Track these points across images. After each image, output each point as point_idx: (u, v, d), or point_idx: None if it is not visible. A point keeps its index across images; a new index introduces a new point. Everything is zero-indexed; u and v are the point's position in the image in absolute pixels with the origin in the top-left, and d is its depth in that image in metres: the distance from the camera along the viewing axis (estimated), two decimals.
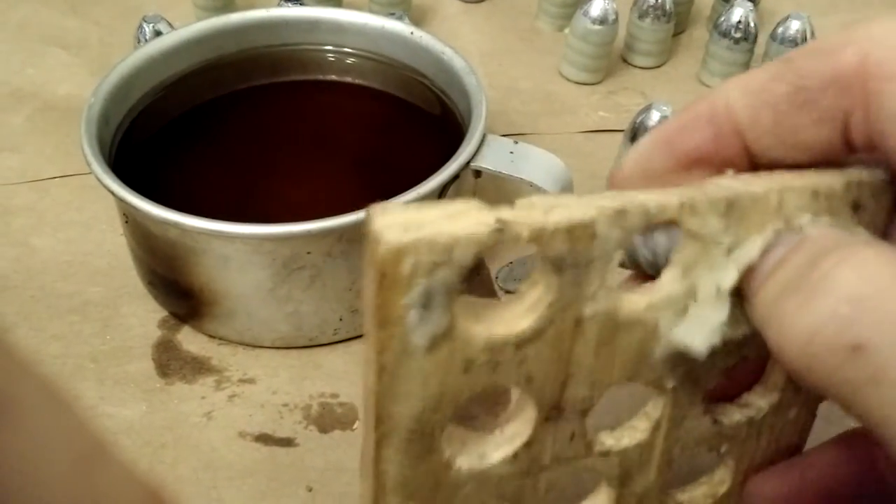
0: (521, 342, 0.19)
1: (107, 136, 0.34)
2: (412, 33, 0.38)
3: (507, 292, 0.35)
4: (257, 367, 0.32)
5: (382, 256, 0.16)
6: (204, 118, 0.38)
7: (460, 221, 0.17)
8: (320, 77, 0.40)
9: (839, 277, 0.16)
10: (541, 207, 0.18)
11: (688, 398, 0.23)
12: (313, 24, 0.40)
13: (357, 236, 0.31)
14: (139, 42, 0.42)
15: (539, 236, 0.18)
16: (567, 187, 0.33)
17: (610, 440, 0.22)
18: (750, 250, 0.19)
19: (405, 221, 0.16)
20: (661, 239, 0.20)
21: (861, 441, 0.22)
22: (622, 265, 0.21)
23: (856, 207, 0.20)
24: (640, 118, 0.38)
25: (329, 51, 0.40)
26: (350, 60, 0.40)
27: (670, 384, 0.23)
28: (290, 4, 0.44)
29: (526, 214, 0.17)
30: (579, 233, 0.18)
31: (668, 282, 0.20)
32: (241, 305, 0.32)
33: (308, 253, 0.31)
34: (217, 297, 0.32)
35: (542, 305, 0.19)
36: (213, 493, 0.27)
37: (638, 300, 0.20)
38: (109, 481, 0.12)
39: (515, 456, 0.21)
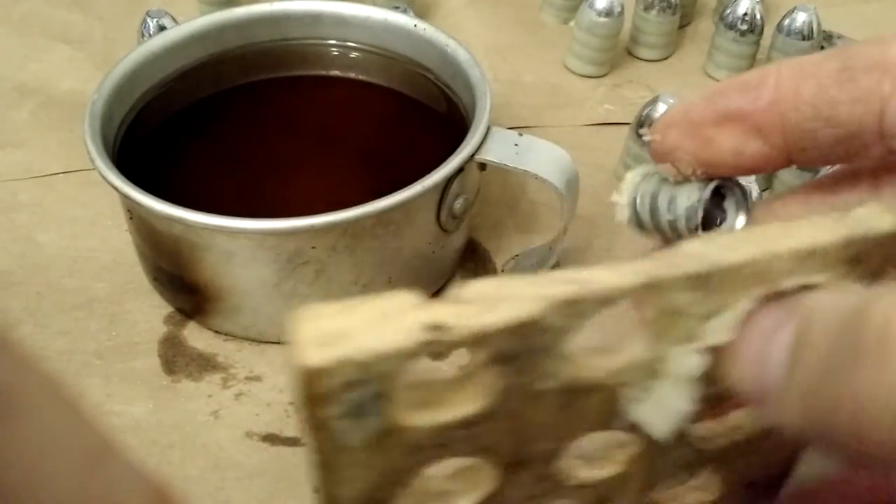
0: (470, 424, 0.18)
1: (110, 132, 0.34)
2: (416, 26, 0.38)
3: None
4: (263, 363, 0.32)
5: (302, 375, 0.15)
6: (207, 113, 0.38)
7: (389, 327, 0.15)
8: (323, 72, 0.40)
9: None
10: (482, 302, 0.16)
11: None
12: (315, 18, 0.39)
13: (361, 231, 0.31)
14: (143, 37, 0.42)
15: (480, 339, 0.16)
16: (572, 179, 0.33)
17: (585, 473, 0.20)
18: (719, 330, 0.17)
19: (327, 332, 0.15)
20: (682, 200, 0.21)
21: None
22: (639, 226, 0.22)
23: (855, 262, 0.18)
24: (645, 111, 0.38)
25: (332, 45, 0.40)
26: (353, 55, 0.39)
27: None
28: None
29: (465, 314, 0.15)
30: (525, 330, 0.16)
31: (634, 348, 0.18)
32: (247, 301, 0.32)
33: (312, 248, 0.30)
34: (222, 293, 0.32)
35: (490, 392, 0.17)
36: (221, 494, 0.27)
37: (599, 366, 0.18)
38: (115, 480, 0.12)
39: None
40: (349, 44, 0.39)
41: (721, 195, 0.21)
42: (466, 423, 0.18)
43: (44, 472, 0.11)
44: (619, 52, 0.46)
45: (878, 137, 0.19)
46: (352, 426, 0.17)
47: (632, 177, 0.22)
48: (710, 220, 0.21)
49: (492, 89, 0.34)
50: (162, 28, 0.41)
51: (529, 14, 0.50)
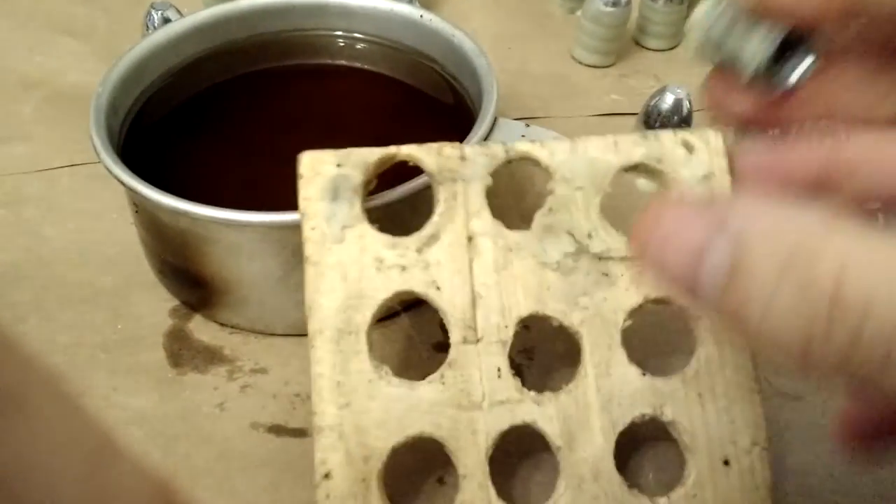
0: (420, 245, 0.26)
1: (115, 125, 0.34)
2: (421, 16, 0.38)
3: None
4: (269, 356, 0.32)
5: (301, 163, 0.26)
6: (212, 104, 0.38)
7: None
8: (329, 62, 0.40)
9: (851, 298, 0.15)
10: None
11: (605, 339, 0.26)
12: (321, 9, 0.39)
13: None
14: (147, 29, 0.42)
15: (415, 156, 0.27)
16: None
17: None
18: None
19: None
20: (755, 41, 0.24)
21: None
22: (707, 55, 0.26)
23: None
24: (653, 101, 0.37)
25: (338, 36, 0.39)
26: (360, 46, 0.39)
27: (578, 318, 0.26)
28: None
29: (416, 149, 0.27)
30: (448, 152, 0.27)
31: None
32: (253, 294, 0.32)
33: None
34: (228, 286, 0.32)
35: (434, 214, 0.26)
36: (227, 484, 0.27)
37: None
38: (119, 474, 0.12)
39: (443, 378, 0.25)
40: (355, 34, 0.39)
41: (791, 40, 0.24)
42: (417, 246, 0.26)
43: (46, 472, 0.11)
44: (625, 42, 0.46)
45: None
46: (332, 211, 0.26)
47: (706, 8, 0.24)
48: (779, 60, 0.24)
49: (498, 80, 0.34)
50: (166, 20, 0.41)
51: (536, 4, 0.49)
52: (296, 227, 0.30)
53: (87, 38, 0.47)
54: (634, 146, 0.27)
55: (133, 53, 0.36)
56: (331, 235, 0.25)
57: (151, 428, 0.29)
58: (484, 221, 0.26)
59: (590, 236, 0.27)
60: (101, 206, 0.38)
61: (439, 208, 0.26)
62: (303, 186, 0.26)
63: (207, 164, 0.35)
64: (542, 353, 0.29)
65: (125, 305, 0.34)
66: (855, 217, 0.15)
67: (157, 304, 0.34)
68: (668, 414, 0.25)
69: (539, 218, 0.27)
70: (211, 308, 0.33)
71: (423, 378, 0.25)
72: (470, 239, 0.26)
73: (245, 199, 0.32)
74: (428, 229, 0.26)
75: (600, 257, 0.27)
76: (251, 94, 0.39)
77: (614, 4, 0.43)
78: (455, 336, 0.25)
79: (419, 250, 0.26)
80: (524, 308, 0.26)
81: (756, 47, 0.24)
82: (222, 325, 0.33)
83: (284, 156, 0.36)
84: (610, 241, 0.27)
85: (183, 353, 0.32)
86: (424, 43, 0.38)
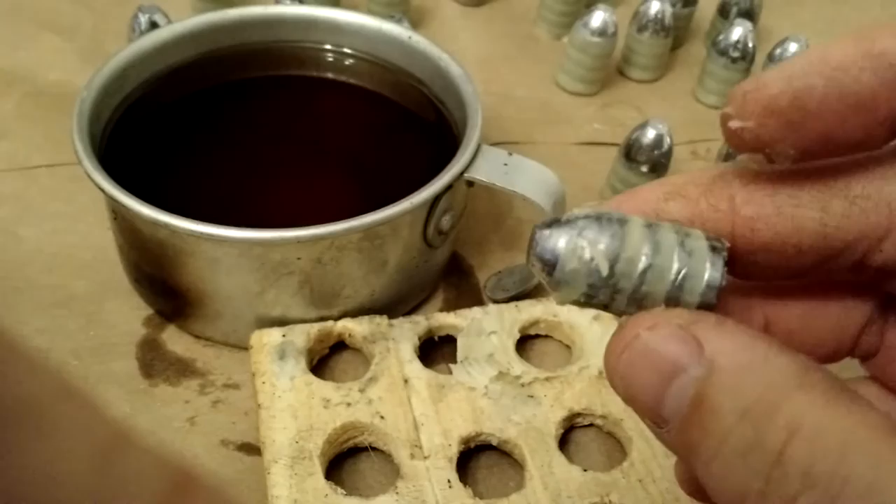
0: (362, 386, 0.30)
1: (98, 129, 0.34)
2: (410, 38, 0.38)
3: (494, 301, 0.35)
4: (242, 371, 0.31)
5: (251, 339, 0.31)
6: (196, 111, 0.38)
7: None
8: (316, 74, 0.40)
9: (794, 462, 0.14)
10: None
11: (543, 446, 0.29)
12: (310, 23, 0.39)
13: (348, 244, 0.31)
14: (134, 31, 0.42)
15: (349, 328, 0.32)
16: (559, 201, 0.33)
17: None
18: None
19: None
20: (697, 272, 0.16)
21: None
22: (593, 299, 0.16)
23: None
24: (635, 134, 0.38)
25: (327, 50, 0.39)
26: (348, 61, 0.39)
27: (514, 433, 0.29)
28: (288, 2, 0.43)
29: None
30: (378, 321, 0.32)
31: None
32: (228, 307, 0.32)
33: (298, 258, 0.30)
34: (204, 298, 0.32)
35: (371, 363, 0.31)
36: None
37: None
38: (133, 467, 0.12)
39: (396, 489, 0.27)
40: (344, 49, 0.39)
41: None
42: (360, 387, 0.30)
43: (59, 473, 0.11)
44: (610, 72, 0.46)
45: None
46: (280, 368, 0.30)
47: (586, 238, 0.16)
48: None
49: (482, 103, 0.34)
50: (153, 24, 0.41)
51: (523, 27, 0.50)
52: (275, 245, 0.30)
53: (71, 36, 0.46)
54: (532, 307, 0.33)
55: (119, 58, 0.35)
56: (280, 386, 0.29)
57: None
58: (416, 368, 0.30)
59: (509, 364, 0.31)
60: (78, 209, 0.38)
61: (375, 359, 0.31)
62: (254, 354, 0.30)
63: (189, 174, 0.35)
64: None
65: (99, 312, 0.33)
66: (829, 375, 0.15)
67: (130, 313, 0.34)
68: (614, 501, 0.27)
69: (461, 353, 0.31)
70: (185, 319, 0.33)
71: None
72: (406, 381, 0.30)
73: (225, 211, 0.32)
74: (367, 375, 0.30)
75: (522, 383, 0.30)
76: (236, 102, 0.39)
77: (601, 34, 0.43)
78: (402, 454, 0.28)
79: (361, 390, 0.29)
80: (464, 429, 0.29)
81: (708, 287, 0.16)
82: (196, 336, 0.33)
83: (266, 168, 0.37)
84: (527, 369, 0.31)
85: (155, 363, 0.32)
86: (412, 63, 0.38)
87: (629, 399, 0.16)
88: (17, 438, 0.11)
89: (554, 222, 0.16)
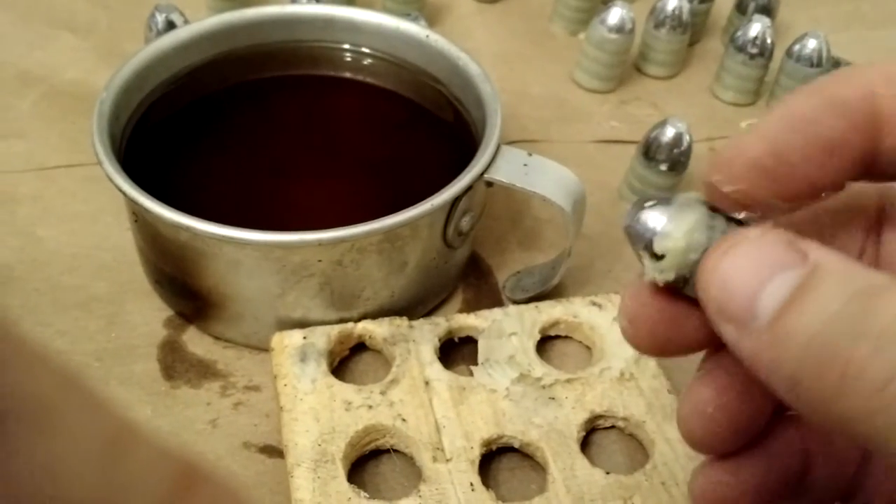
0: (384, 389, 0.30)
1: (117, 130, 0.34)
2: (427, 37, 0.38)
3: (514, 302, 0.35)
4: (263, 373, 0.32)
5: (272, 341, 0.31)
6: (215, 112, 0.38)
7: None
8: (334, 74, 0.40)
9: None
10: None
11: (565, 448, 0.28)
12: (328, 22, 0.39)
13: (368, 246, 0.31)
14: (150, 30, 0.41)
15: (369, 329, 0.32)
16: (579, 201, 0.33)
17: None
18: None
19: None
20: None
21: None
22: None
23: None
24: (654, 133, 0.38)
25: (345, 49, 0.39)
26: (366, 61, 0.39)
27: (536, 435, 0.29)
28: (305, 1, 0.43)
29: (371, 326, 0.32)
30: (398, 322, 0.32)
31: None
32: (249, 309, 0.32)
33: (318, 261, 0.30)
34: (225, 300, 0.32)
35: (392, 365, 0.30)
36: None
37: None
38: (138, 463, 0.12)
39: (419, 493, 0.27)
40: (362, 49, 0.39)
41: None
42: (381, 390, 0.30)
43: (65, 469, 0.11)
44: (627, 68, 0.46)
45: None
46: (301, 370, 0.30)
47: (683, 231, 0.18)
48: None
49: (501, 103, 0.34)
50: (170, 23, 0.41)
51: (539, 24, 0.49)
52: (296, 247, 0.30)
53: (87, 35, 0.46)
54: (552, 307, 0.33)
55: (138, 59, 0.35)
56: (301, 388, 0.29)
57: None
58: (437, 370, 0.30)
59: (530, 366, 0.31)
60: (96, 209, 0.38)
61: (396, 362, 0.30)
62: (275, 356, 0.30)
63: (208, 174, 0.35)
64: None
65: (119, 313, 0.34)
66: None
67: (151, 314, 0.34)
68: (634, 500, 0.27)
69: (482, 355, 0.31)
70: (206, 321, 0.33)
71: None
72: (427, 383, 0.30)
73: (244, 213, 0.32)
74: (388, 377, 0.30)
75: (543, 385, 0.30)
76: (253, 103, 0.39)
77: (619, 31, 0.43)
78: (425, 456, 0.28)
79: (383, 392, 0.29)
80: (485, 432, 0.29)
81: None
82: (217, 338, 0.33)
83: (285, 169, 0.37)
84: (547, 371, 0.31)
85: (176, 365, 0.32)
86: (430, 63, 0.38)
87: (720, 299, 0.17)
88: (22, 434, 0.11)
89: (659, 201, 0.18)
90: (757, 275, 0.16)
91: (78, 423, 0.11)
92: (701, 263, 0.17)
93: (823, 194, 0.18)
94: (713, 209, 0.18)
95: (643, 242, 0.18)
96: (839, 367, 0.15)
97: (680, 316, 0.19)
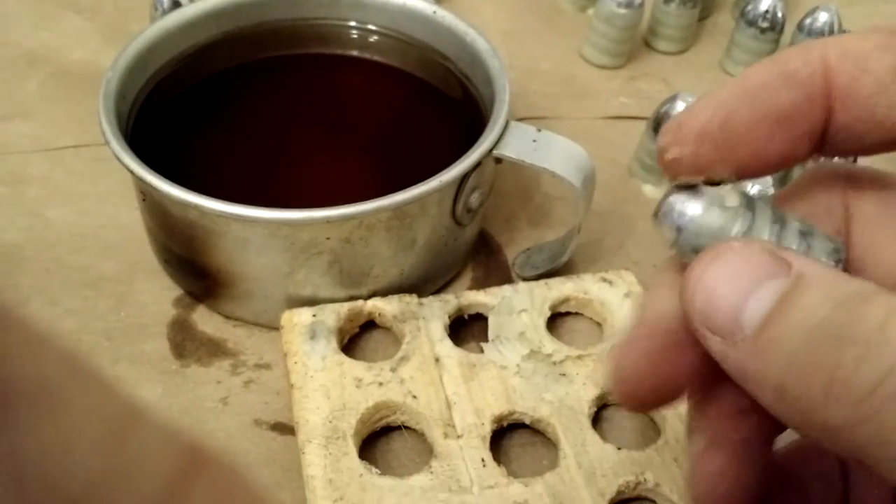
0: (394, 366, 0.29)
1: (124, 110, 0.34)
2: (435, 13, 0.38)
3: (523, 279, 0.35)
4: (273, 351, 0.31)
5: (282, 319, 0.31)
6: (221, 91, 0.37)
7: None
8: (341, 52, 0.39)
9: (895, 331, 0.15)
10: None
11: (576, 424, 0.28)
12: (334, 0, 0.39)
13: (377, 223, 0.30)
14: (156, 9, 0.41)
15: (379, 307, 0.31)
16: (589, 177, 0.33)
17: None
18: None
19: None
20: (820, 241, 0.17)
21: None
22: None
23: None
24: (664, 108, 0.37)
25: (352, 27, 0.39)
26: (373, 38, 0.39)
27: (547, 411, 0.29)
28: None
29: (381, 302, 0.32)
30: (407, 300, 0.32)
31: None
32: (258, 287, 0.32)
33: (327, 238, 0.30)
34: (234, 279, 0.32)
35: (402, 342, 0.30)
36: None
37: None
38: (145, 445, 0.12)
39: (430, 469, 0.27)
40: (369, 26, 0.39)
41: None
42: (392, 367, 0.29)
43: (71, 451, 0.11)
44: (636, 44, 0.45)
45: None
46: (312, 347, 0.30)
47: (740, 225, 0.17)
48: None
49: (509, 80, 0.34)
50: (176, 2, 0.41)
51: (546, 0, 0.49)
52: (304, 225, 0.30)
53: (92, 15, 0.46)
54: (563, 284, 0.33)
55: (143, 38, 0.35)
56: (312, 366, 0.29)
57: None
58: (447, 347, 0.30)
59: (540, 342, 0.31)
60: (104, 189, 0.38)
61: (406, 339, 0.30)
62: (285, 334, 0.30)
63: (215, 153, 0.35)
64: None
65: (129, 293, 0.34)
66: None
67: (160, 293, 0.34)
68: (650, 479, 0.27)
69: (492, 332, 0.31)
70: (216, 299, 0.33)
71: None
72: (437, 360, 0.30)
73: (252, 191, 0.32)
74: (399, 354, 0.30)
75: (554, 361, 0.30)
76: (260, 82, 0.38)
77: (627, 6, 0.42)
78: (436, 433, 0.28)
79: (393, 369, 0.29)
80: (496, 408, 0.29)
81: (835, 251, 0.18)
82: (227, 316, 0.33)
83: (293, 147, 0.36)
84: (558, 347, 0.31)
85: (186, 344, 0.32)
86: (437, 39, 0.38)
87: (705, 311, 0.16)
88: (28, 417, 0.11)
89: (691, 189, 0.17)
90: (741, 286, 0.16)
91: (85, 404, 0.11)
92: (684, 275, 0.17)
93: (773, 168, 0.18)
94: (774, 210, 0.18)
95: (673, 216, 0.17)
96: (826, 374, 0.15)
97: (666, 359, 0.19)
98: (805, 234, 0.17)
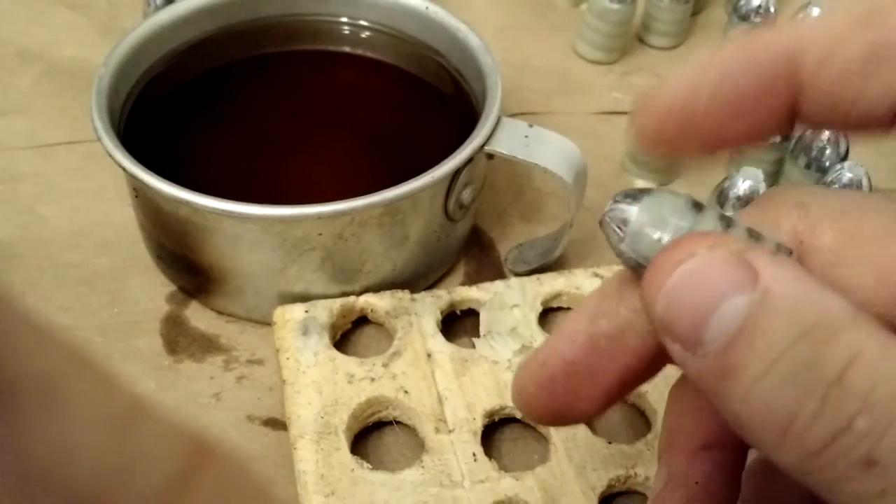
0: (386, 361, 0.30)
1: (116, 106, 0.34)
2: (427, 8, 0.38)
3: (516, 274, 0.35)
4: (265, 347, 0.32)
5: (274, 315, 0.31)
6: (214, 86, 0.37)
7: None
8: (333, 48, 0.40)
9: (854, 384, 0.14)
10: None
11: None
12: None
13: (369, 219, 0.31)
14: (149, 5, 0.41)
15: (371, 302, 0.31)
16: (581, 173, 0.33)
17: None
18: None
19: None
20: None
21: None
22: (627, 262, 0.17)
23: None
24: None
25: (343, 23, 0.39)
26: (365, 34, 0.39)
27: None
28: None
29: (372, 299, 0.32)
30: (400, 295, 0.31)
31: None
32: (251, 284, 0.32)
33: (319, 234, 0.30)
34: (227, 275, 0.32)
35: (394, 338, 0.31)
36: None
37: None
38: (148, 439, 0.12)
39: (422, 463, 0.27)
40: (360, 22, 0.39)
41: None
42: (384, 362, 0.30)
43: (74, 446, 0.11)
44: (629, 39, 0.45)
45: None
46: (304, 343, 0.30)
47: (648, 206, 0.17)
48: None
49: (502, 76, 0.34)
50: None
51: None
52: (296, 221, 0.30)
53: (86, 11, 0.46)
54: (554, 279, 0.33)
55: (135, 34, 0.35)
56: (304, 362, 0.29)
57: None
58: (439, 343, 0.30)
59: (532, 337, 0.31)
60: (98, 186, 0.38)
61: (398, 334, 0.30)
62: (277, 330, 0.30)
63: (208, 149, 0.35)
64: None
65: (122, 289, 0.34)
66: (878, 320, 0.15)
67: (153, 289, 0.34)
68: (640, 473, 0.27)
69: (484, 327, 0.31)
70: (208, 295, 0.33)
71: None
72: (429, 355, 0.30)
73: (245, 187, 0.32)
74: (391, 350, 0.30)
75: None
76: (253, 78, 0.38)
77: (620, 1, 0.42)
78: (427, 428, 0.28)
79: (385, 365, 0.30)
80: (487, 403, 0.29)
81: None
82: (219, 312, 0.33)
83: (285, 143, 0.36)
84: None
85: (179, 339, 0.32)
86: (430, 35, 0.38)
87: (666, 320, 0.16)
88: (31, 412, 0.11)
89: (635, 195, 0.17)
90: (705, 299, 0.15)
91: (87, 399, 0.11)
92: (644, 277, 0.16)
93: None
94: (698, 204, 0.17)
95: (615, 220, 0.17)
96: (782, 421, 0.15)
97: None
98: (753, 236, 0.17)
